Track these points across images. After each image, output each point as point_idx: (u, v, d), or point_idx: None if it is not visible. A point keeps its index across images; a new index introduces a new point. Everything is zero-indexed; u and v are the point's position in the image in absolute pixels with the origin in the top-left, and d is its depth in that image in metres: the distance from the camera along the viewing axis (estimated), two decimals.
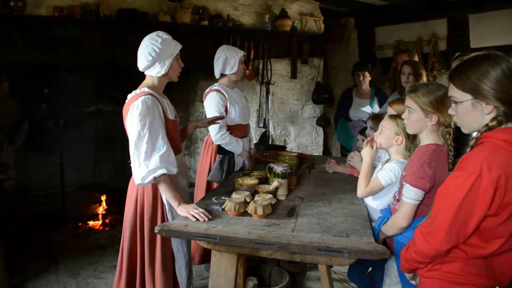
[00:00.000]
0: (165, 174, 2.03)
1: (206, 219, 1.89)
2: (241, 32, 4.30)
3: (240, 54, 3.01)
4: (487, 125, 1.31)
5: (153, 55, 2.09)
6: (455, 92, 1.37)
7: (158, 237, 2.16)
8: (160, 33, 2.15)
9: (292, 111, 4.95)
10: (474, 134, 1.37)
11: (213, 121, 2.65)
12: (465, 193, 1.24)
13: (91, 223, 4.20)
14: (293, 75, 4.84)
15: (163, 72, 2.13)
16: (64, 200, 4.28)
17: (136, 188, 2.18)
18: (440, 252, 1.34)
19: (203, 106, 3.06)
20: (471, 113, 1.34)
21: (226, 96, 2.97)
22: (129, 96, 2.13)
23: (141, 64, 2.14)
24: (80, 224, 4.15)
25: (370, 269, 2.54)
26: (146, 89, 2.11)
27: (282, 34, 4.63)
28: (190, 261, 2.33)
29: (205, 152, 3.11)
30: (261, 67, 4.52)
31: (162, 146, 2.05)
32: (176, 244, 2.22)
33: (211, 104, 2.93)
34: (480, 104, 1.31)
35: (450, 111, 1.43)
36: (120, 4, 3.62)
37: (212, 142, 3.01)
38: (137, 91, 2.12)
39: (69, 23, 3.45)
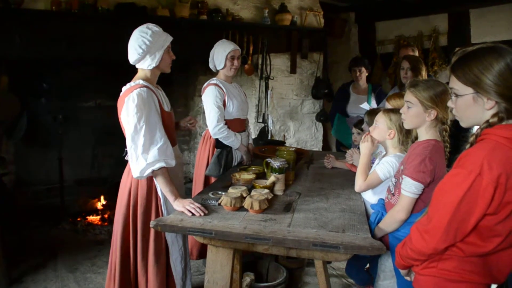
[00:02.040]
0: (163, 167, 2.02)
1: (202, 214, 1.88)
2: (240, 26, 4.27)
3: (228, 49, 2.93)
4: (487, 121, 1.27)
5: (143, 48, 2.07)
6: (456, 84, 1.32)
7: (152, 230, 2.15)
8: (150, 25, 2.13)
9: (292, 106, 4.93)
10: (474, 130, 1.33)
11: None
12: (465, 191, 1.21)
13: (90, 218, 4.20)
14: (293, 70, 4.81)
15: (154, 65, 2.12)
16: (63, 195, 4.28)
17: (130, 181, 2.17)
18: (437, 251, 1.32)
19: (202, 101, 3.05)
20: (472, 107, 1.29)
21: (224, 90, 2.96)
22: (124, 88, 2.11)
23: (132, 57, 2.12)
24: (79, 219, 4.16)
25: (368, 265, 2.54)
26: (141, 82, 2.09)
27: (282, 28, 4.60)
28: (186, 255, 2.33)
29: (203, 146, 3.09)
30: (260, 62, 4.49)
31: (160, 138, 2.03)
32: (171, 237, 2.21)
33: (209, 98, 2.92)
34: (482, 98, 1.26)
35: (449, 104, 1.38)
36: None
37: (210, 136, 3.00)
38: (132, 83, 2.10)
39: (67, 17, 3.43)
